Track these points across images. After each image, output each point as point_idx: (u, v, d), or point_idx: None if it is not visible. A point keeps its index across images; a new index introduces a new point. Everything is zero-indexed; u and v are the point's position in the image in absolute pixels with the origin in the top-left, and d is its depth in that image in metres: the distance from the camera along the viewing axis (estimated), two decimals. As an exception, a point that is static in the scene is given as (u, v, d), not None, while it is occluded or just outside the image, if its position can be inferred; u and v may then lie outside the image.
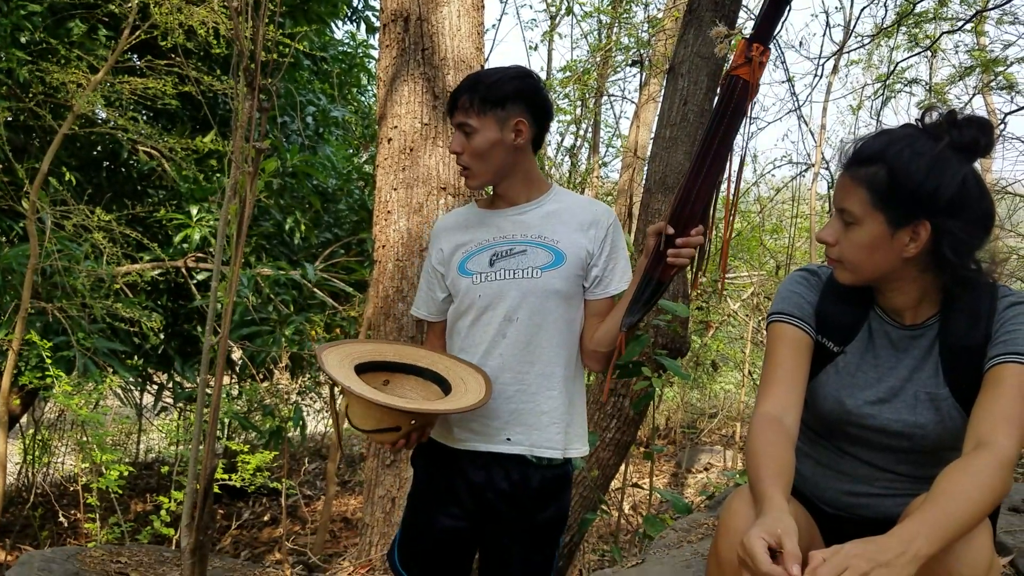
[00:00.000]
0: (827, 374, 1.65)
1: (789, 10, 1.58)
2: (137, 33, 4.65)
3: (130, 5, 4.62)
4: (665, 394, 9.77)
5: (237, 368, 6.15)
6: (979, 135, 1.48)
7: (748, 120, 1.67)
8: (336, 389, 1.90)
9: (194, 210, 5.29)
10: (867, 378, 1.62)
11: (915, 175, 1.44)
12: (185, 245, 5.24)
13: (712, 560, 1.51)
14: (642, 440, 8.63)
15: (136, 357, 5.72)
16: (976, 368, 1.50)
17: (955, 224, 1.45)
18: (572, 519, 3.63)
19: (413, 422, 1.83)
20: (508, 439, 1.94)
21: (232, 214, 2.00)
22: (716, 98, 1.67)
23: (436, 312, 2.11)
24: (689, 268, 1.82)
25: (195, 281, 5.24)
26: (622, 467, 4.85)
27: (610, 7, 9.22)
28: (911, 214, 1.46)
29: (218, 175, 5.87)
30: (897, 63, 7.49)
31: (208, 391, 2.16)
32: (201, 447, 2.22)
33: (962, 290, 1.53)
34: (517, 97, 1.91)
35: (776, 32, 1.65)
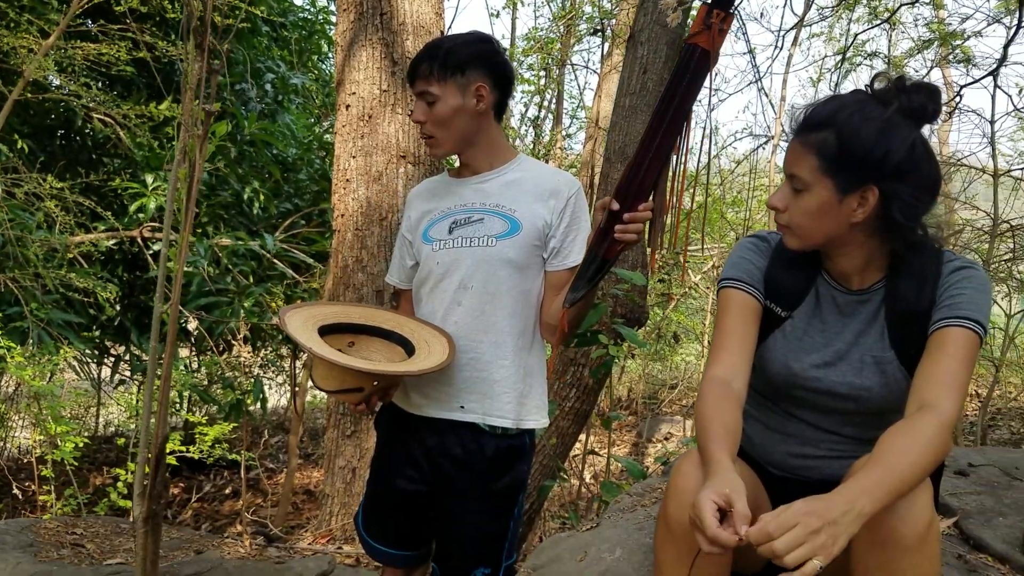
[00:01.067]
0: (775, 338, 1.67)
1: None
2: (89, -4, 4.53)
3: (81, -33, 4.49)
4: (627, 366, 9.85)
5: (193, 339, 6.08)
6: (927, 100, 1.48)
7: (709, 91, 1.63)
8: (301, 355, 1.91)
9: (149, 179, 5.19)
10: (814, 342, 1.64)
11: (864, 140, 1.45)
12: (140, 214, 5.14)
13: (661, 520, 1.53)
14: (604, 410, 8.72)
15: (93, 328, 5.63)
16: (921, 332, 1.52)
17: (903, 188, 1.46)
18: (532, 487, 3.66)
19: (376, 383, 1.84)
20: (462, 407, 1.95)
21: (181, 179, 1.97)
22: (674, 67, 1.61)
23: (406, 279, 2.13)
24: (645, 243, 1.77)
25: (151, 251, 5.17)
26: (583, 436, 4.90)
27: (572, -25, 9.16)
28: (860, 179, 1.47)
29: (174, 143, 5.76)
30: (856, 35, 7.55)
31: (160, 360, 2.13)
32: (153, 417, 2.20)
33: (910, 254, 1.55)
34: (476, 62, 1.90)
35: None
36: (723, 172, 9.59)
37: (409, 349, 1.91)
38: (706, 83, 1.59)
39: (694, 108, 1.62)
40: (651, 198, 1.66)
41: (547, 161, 9.07)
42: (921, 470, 1.31)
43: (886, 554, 1.34)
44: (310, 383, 6.20)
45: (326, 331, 1.89)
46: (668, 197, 1.67)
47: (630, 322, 3.56)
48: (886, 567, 1.35)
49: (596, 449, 7.47)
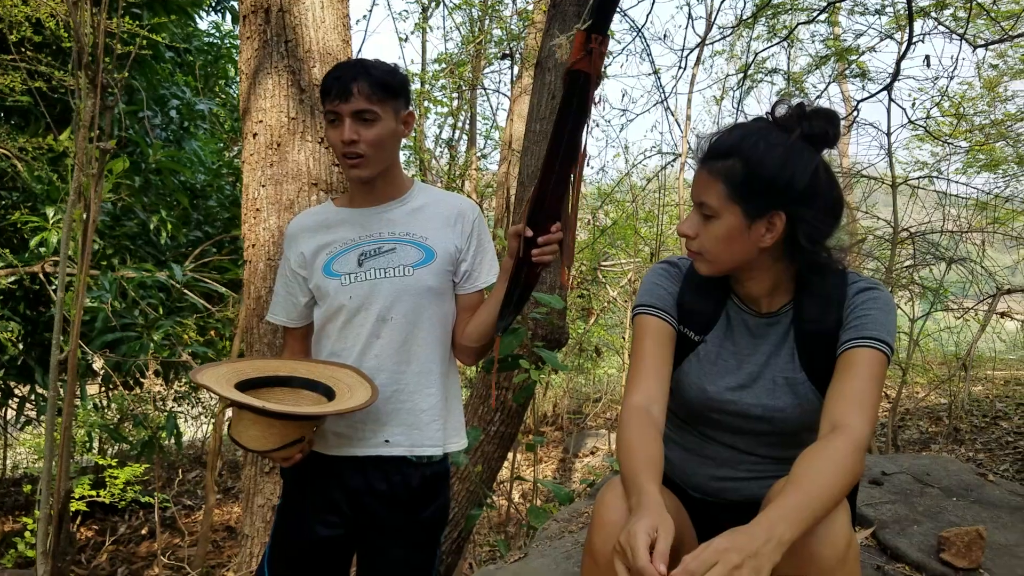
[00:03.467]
0: (690, 363, 1.69)
1: (617, 4, 1.59)
2: (-21, 27, 4.33)
3: (-32, -3, 4.30)
4: (552, 381, 9.90)
5: (100, 378, 5.85)
6: (827, 126, 1.53)
7: (591, 112, 1.66)
8: (222, 408, 1.83)
9: (50, 212, 4.97)
10: (727, 365, 1.66)
11: (770, 167, 1.48)
12: (42, 249, 4.92)
13: (587, 553, 1.51)
14: (531, 428, 8.73)
15: (-5, 369, 5.37)
16: (830, 352, 1.55)
17: (808, 213, 1.50)
18: (459, 514, 3.61)
19: (315, 429, 1.79)
20: (387, 441, 1.91)
21: (77, 219, 1.88)
22: (562, 96, 1.66)
23: (297, 317, 2.04)
24: (562, 262, 1.82)
25: (54, 287, 4.95)
26: (513, 457, 4.88)
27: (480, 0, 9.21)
28: (767, 205, 1.50)
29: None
30: (757, 53, 7.78)
31: (60, 407, 2.03)
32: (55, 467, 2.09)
33: (815, 277, 1.59)
34: (403, 89, 1.91)
35: (611, 20, 1.64)
36: (635, 189, 9.74)
37: (321, 389, 1.86)
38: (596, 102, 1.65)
39: (587, 130, 1.68)
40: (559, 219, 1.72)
41: (463, 183, 9.05)
42: (837, 492, 1.33)
43: (807, 576, 1.35)
44: (227, 418, 6.01)
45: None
46: (572, 216, 1.74)
47: (550, 344, 3.56)
48: (807, 589, 1.36)
49: (525, 468, 7.47)
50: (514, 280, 1.79)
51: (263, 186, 3.45)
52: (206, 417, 8.81)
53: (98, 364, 5.28)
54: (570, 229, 1.74)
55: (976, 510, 2.29)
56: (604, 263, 9.39)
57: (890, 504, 2.30)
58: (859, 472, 1.37)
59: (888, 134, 6.49)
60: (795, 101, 1.57)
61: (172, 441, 5.21)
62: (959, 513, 2.25)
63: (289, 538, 2.01)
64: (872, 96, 5.83)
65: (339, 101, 1.84)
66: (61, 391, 2.38)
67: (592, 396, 11.00)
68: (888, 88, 5.71)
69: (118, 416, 6.76)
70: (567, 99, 1.61)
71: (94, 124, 1.85)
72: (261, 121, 3.44)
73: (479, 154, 9.72)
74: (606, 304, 9.11)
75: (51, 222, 4.93)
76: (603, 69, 1.64)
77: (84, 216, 1.85)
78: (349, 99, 1.83)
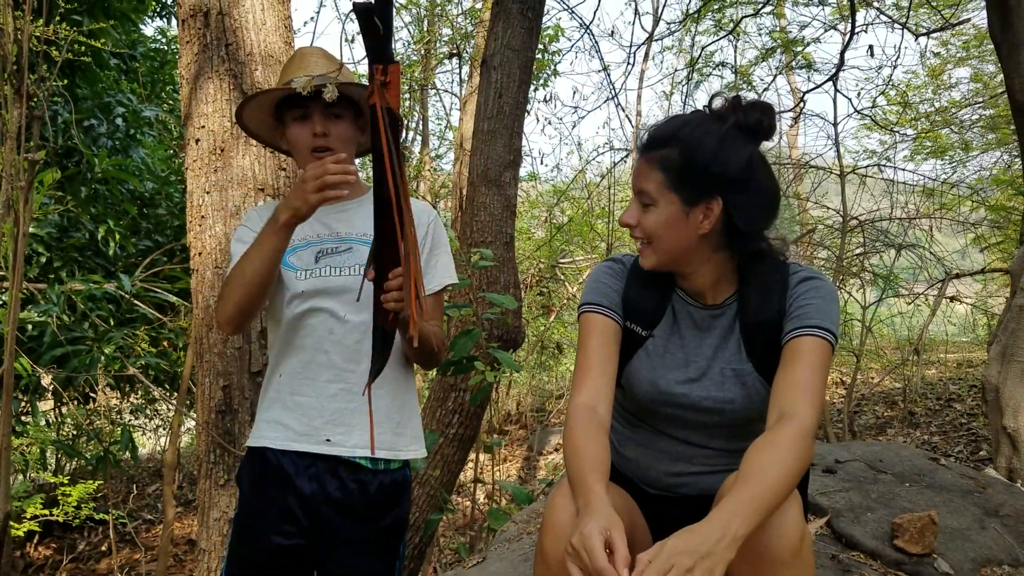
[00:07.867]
0: (639, 358, 1.68)
1: (390, 23, 1.47)
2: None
3: None
4: (515, 379, 9.89)
5: (50, 393, 5.71)
6: (761, 116, 1.56)
7: (396, 145, 1.57)
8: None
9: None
10: (675, 359, 1.66)
11: (705, 153, 1.51)
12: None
13: (538, 556, 1.50)
14: (495, 427, 8.71)
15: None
16: (774, 342, 1.56)
17: (743, 198, 1.53)
18: (420, 519, 3.58)
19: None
20: (328, 440, 1.87)
21: (7, 232, 1.82)
22: (371, 135, 1.58)
23: None
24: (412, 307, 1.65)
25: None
26: (476, 458, 4.86)
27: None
28: (703, 192, 1.52)
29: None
30: (704, 47, 7.85)
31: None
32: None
33: (757, 266, 1.60)
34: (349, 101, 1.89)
35: (391, 46, 1.54)
36: (590, 186, 9.76)
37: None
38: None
39: (403, 160, 1.61)
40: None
41: (417, 184, 9.00)
42: (788, 482, 1.32)
43: (762, 571, 1.35)
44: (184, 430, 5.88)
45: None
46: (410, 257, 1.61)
47: (505, 344, 3.54)
48: (762, 583, 1.36)
49: (489, 468, 7.45)
50: (375, 326, 1.75)
51: (207, 192, 3.38)
52: (163, 430, 8.68)
53: (47, 380, 5.16)
54: (411, 274, 1.59)
55: (929, 495, 2.32)
56: (562, 260, 9.40)
57: (844, 492, 2.31)
58: (808, 459, 1.38)
59: (835, 124, 6.60)
60: (732, 95, 1.60)
61: (128, 455, 5.11)
62: (912, 499, 2.27)
63: (246, 549, 1.95)
64: (818, 87, 5.92)
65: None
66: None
67: (555, 393, 11.01)
68: (833, 78, 5.79)
69: (74, 432, 6.62)
70: (377, 139, 1.54)
71: (22, 135, 1.79)
72: (203, 127, 3.38)
73: (433, 155, 9.67)
74: (566, 301, 9.12)
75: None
76: (401, 99, 1.53)
77: (14, 230, 1.79)
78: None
